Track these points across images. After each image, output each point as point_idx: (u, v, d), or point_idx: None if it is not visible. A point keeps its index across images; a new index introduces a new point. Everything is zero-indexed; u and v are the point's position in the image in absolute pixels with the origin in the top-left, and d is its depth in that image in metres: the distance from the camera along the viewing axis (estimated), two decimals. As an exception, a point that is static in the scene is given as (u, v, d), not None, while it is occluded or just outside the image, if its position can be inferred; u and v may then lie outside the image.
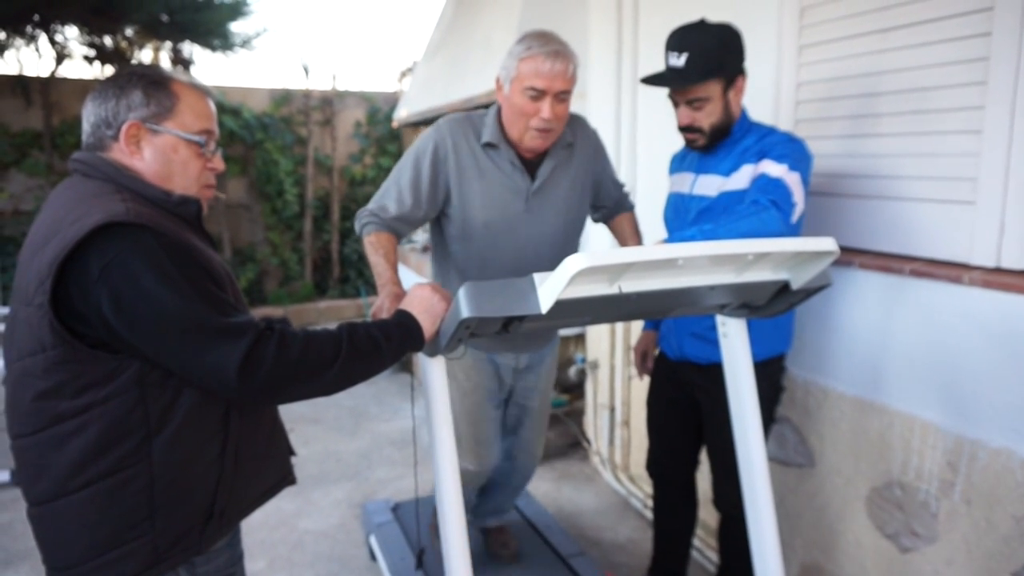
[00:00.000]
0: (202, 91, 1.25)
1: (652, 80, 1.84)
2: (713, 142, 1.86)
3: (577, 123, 1.97)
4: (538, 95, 1.73)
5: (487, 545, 2.51)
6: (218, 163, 1.28)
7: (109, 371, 1.08)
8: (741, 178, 1.81)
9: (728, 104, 1.83)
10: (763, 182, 1.72)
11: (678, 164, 2.09)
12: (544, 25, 1.89)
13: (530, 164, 1.89)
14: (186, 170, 1.22)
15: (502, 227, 1.87)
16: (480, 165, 1.85)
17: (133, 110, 1.17)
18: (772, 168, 1.72)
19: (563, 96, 1.76)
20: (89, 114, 1.20)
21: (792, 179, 1.70)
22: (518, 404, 2.21)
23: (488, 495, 2.44)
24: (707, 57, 1.75)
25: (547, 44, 1.72)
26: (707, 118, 1.82)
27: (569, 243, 2.00)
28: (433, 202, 1.85)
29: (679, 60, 1.76)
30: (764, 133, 1.85)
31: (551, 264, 1.98)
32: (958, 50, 1.74)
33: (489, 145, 1.85)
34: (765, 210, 1.61)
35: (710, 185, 1.88)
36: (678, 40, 1.78)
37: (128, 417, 1.09)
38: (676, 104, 1.86)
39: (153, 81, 1.19)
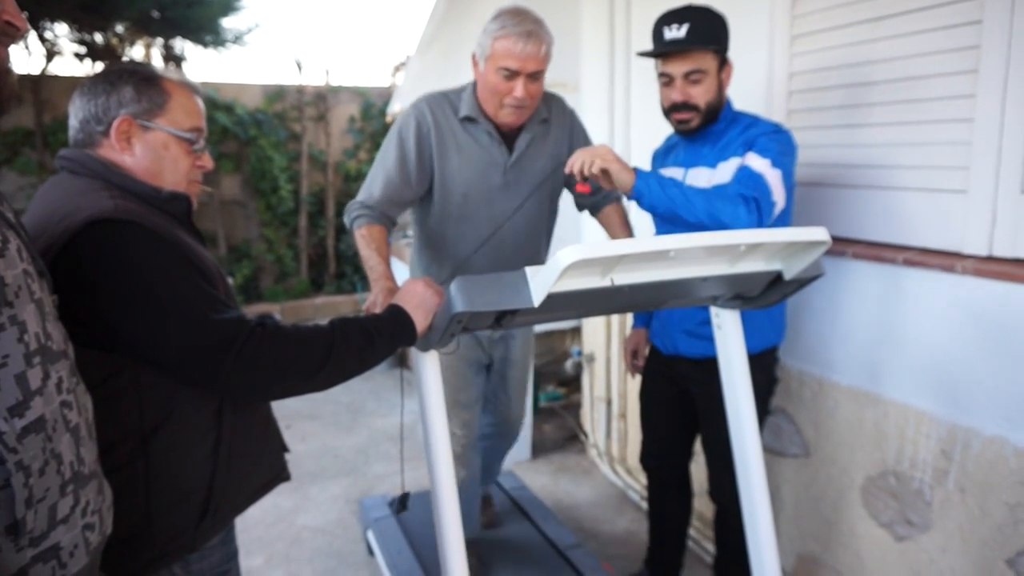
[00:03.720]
0: (192, 89, 1.25)
1: (653, 51, 1.81)
2: (704, 124, 1.84)
3: (553, 101, 2.00)
4: (511, 75, 1.75)
5: None
6: (207, 161, 1.28)
7: (104, 373, 1.06)
8: (727, 170, 1.80)
9: (720, 84, 1.83)
10: (744, 175, 1.70)
11: (662, 160, 2.06)
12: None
13: (507, 137, 1.91)
14: (176, 167, 1.22)
15: (479, 199, 1.90)
16: (458, 139, 1.87)
17: (124, 106, 1.17)
18: (755, 162, 1.71)
19: (536, 76, 1.78)
20: (78, 110, 1.19)
21: (773, 176, 1.68)
22: (498, 372, 2.27)
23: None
24: (707, 28, 1.77)
25: (521, 24, 1.72)
26: (704, 95, 1.80)
27: (544, 219, 2.02)
28: (422, 178, 1.87)
29: (679, 31, 1.76)
30: (748, 123, 1.84)
31: (525, 238, 2.03)
32: (949, 38, 1.74)
33: (468, 119, 1.87)
34: (739, 205, 1.59)
35: (700, 178, 1.87)
36: (678, 14, 1.78)
37: (125, 419, 1.08)
38: (668, 82, 1.83)
39: (144, 78, 1.19)
